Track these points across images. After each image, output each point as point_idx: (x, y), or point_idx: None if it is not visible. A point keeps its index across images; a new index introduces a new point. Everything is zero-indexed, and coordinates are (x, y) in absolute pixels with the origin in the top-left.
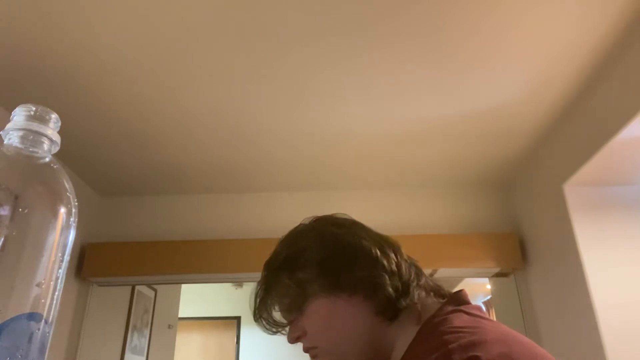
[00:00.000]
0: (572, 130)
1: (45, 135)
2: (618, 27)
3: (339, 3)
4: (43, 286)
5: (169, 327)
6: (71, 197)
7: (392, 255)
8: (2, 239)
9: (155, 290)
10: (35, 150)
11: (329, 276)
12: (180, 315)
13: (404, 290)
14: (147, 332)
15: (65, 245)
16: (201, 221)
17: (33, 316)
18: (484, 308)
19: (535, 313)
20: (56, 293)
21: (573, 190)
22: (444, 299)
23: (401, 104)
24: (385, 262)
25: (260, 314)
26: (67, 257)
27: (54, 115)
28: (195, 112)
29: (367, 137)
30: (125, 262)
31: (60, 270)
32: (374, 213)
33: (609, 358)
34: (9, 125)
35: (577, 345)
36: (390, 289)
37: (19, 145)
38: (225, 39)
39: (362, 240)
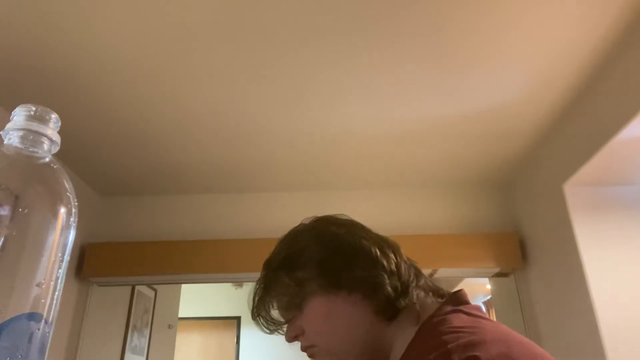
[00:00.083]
0: (572, 130)
1: (45, 135)
2: (618, 27)
3: (339, 3)
4: (43, 286)
5: (169, 327)
6: (71, 197)
7: (392, 255)
8: (2, 239)
9: (155, 290)
10: (35, 150)
11: (328, 275)
12: (180, 315)
13: (403, 290)
14: (147, 332)
15: (65, 245)
16: (201, 221)
17: (33, 316)
18: (483, 308)
19: (535, 313)
20: (56, 293)
21: (573, 190)
22: (443, 299)
23: (401, 104)
24: (384, 262)
25: (259, 312)
26: (67, 257)
27: (54, 115)
28: (195, 112)
29: (367, 137)
30: (125, 262)
31: (60, 270)
32: (374, 213)
33: (609, 358)
34: (9, 125)
35: (577, 345)
36: (389, 289)
37: (19, 145)
38: (225, 39)
39: (362, 240)
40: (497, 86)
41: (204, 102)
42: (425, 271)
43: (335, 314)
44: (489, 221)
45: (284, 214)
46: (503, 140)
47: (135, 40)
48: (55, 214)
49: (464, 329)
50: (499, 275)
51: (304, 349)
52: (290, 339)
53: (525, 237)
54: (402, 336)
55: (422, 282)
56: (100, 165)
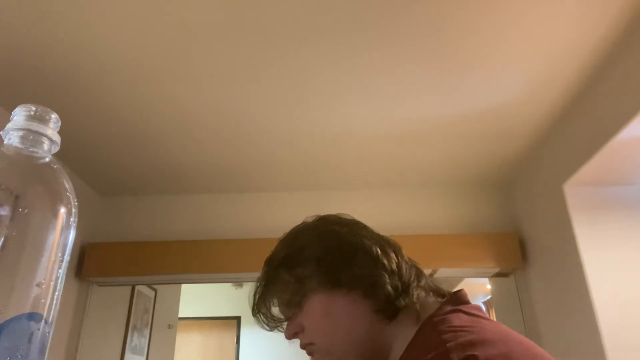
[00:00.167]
0: (572, 130)
1: (45, 135)
2: (618, 27)
3: (339, 3)
4: (43, 286)
5: (169, 327)
6: (71, 197)
7: (393, 255)
8: (2, 239)
9: (155, 290)
10: (35, 150)
11: (328, 273)
12: (180, 315)
13: (404, 289)
14: (147, 332)
15: (65, 245)
16: (201, 221)
17: (33, 316)
18: (483, 308)
19: (535, 313)
20: (56, 293)
21: (573, 190)
22: (444, 299)
23: (401, 104)
24: (385, 261)
25: (259, 309)
26: (67, 257)
27: (54, 115)
28: (195, 112)
29: (367, 137)
30: (125, 262)
31: (60, 270)
32: (374, 213)
33: (609, 358)
34: (9, 125)
35: (577, 345)
36: (389, 288)
37: (19, 145)
38: (225, 39)
39: (364, 239)
40: (497, 86)
41: (204, 102)
42: (425, 271)
43: (335, 311)
44: (489, 221)
45: (284, 214)
46: (503, 140)
47: (135, 40)
48: (55, 214)
49: (463, 329)
50: (499, 275)
51: (303, 346)
52: (289, 336)
53: (525, 237)
54: (402, 335)
55: (423, 282)
56: (100, 165)
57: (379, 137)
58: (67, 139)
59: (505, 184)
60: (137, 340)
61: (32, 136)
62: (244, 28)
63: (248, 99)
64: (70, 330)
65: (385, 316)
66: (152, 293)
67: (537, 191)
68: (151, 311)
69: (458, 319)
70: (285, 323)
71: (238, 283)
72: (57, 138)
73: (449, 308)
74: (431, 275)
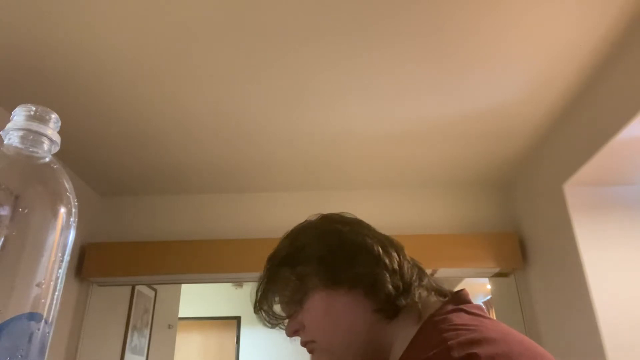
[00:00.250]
0: (572, 130)
1: (45, 135)
2: (618, 27)
3: (339, 3)
4: (43, 286)
5: (169, 327)
6: (71, 197)
7: (395, 254)
8: (2, 239)
9: (155, 290)
10: (35, 150)
11: (329, 271)
12: (180, 315)
13: (405, 289)
14: (147, 332)
15: (65, 245)
16: (201, 221)
17: (33, 316)
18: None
19: (535, 313)
20: (56, 293)
21: (573, 190)
22: (445, 298)
23: (401, 104)
24: (387, 261)
25: (261, 306)
26: (67, 257)
27: (54, 115)
28: (195, 112)
29: (367, 137)
30: (125, 262)
31: (60, 270)
32: (374, 213)
33: (609, 358)
34: (9, 125)
35: (577, 345)
36: (390, 287)
37: (19, 145)
38: (225, 39)
39: (365, 237)
40: (497, 86)
41: (204, 102)
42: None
43: (335, 310)
44: (489, 221)
45: (284, 214)
46: (503, 140)
47: (135, 40)
48: (55, 214)
49: (464, 327)
50: (499, 275)
51: (303, 343)
52: (290, 333)
53: (525, 237)
54: (402, 334)
55: (425, 281)
56: (100, 165)
57: (379, 137)
58: (67, 139)
59: (505, 184)
60: (137, 340)
61: (32, 136)
62: (244, 28)
63: (248, 99)
64: (70, 330)
65: (386, 315)
66: (152, 293)
67: (537, 191)
68: (151, 311)
69: (459, 318)
70: (287, 321)
71: (238, 283)
72: (57, 138)
73: (450, 307)
74: (431, 275)
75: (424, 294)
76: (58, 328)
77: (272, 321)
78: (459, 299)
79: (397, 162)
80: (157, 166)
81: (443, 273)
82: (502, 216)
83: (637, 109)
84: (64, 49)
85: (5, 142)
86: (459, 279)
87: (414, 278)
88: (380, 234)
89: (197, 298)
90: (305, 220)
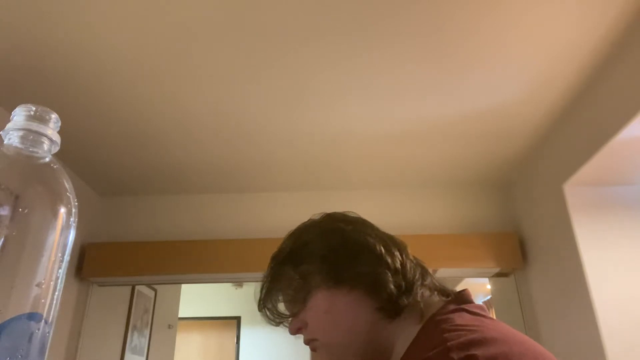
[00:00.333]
0: (572, 130)
1: (45, 135)
2: (618, 27)
3: (339, 3)
4: (43, 286)
5: (169, 327)
6: (71, 197)
7: (397, 253)
8: (2, 239)
9: (155, 290)
10: (35, 150)
11: (331, 270)
12: (180, 315)
13: (407, 288)
14: (147, 332)
15: (65, 245)
16: (201, 221)
17: (33, 316)
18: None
19: (535, 313)
20: (56, 293)
21: (573, 190)
22: (448, 298)
23: (401, 104)
24: (389, 260)
25: (265, 305)
26: (67, 257)
27: (54, 115)
28: (195, 112)
29: (367, 137)
30: (125, 262)
31: (60, 270)
32: (374, 213)
33: (609, 358)
34: (9, 125)
35: (577, 345)
36: (392, 286)
37: (19, 145)
38: (225, 39)
39: (368, 237)
40: (497, 86)
41: (204, 102)
42: None
43: (337, 308)
44: (489, 221)
45: (284, 214)
46: (503, 140)
47: (135, 40)
48: (55, 214)
49: (465, 328)
50: (499, 275)
51: (306, 342)
52: (293, 331)
53: (525, 237)
54: (404, 334)
55: (428, 281)
56: (100, 165)
57: (379, 137)
58: (67, 139)
59: (505, 184)
60: (137, 340)
61: (32, 136)
62: (244, 28)
63: (248, 99)
64: (70, 330)
65: (387, 314)
66: (152, 293)
67: (537, 191)
68: (151, 311)
69: (461, 318)
70: (290, 319)
71: (238, 283)
72: (57, 138)
73: (452, 307)
74: None
75: (427, 293)
76: (58, 328)
77: (275, 319)
78: (462, 299)
79: (397, 162)
80: (157, 166)
81: (443, 273)
82: (502, 216)
83: (637, 109)
84: (64, 49)
85: (5, 142)
86: (459, 279)
87: (416, 277)
88: (384, 233)
89: (197, 298)
90: (309, 219)
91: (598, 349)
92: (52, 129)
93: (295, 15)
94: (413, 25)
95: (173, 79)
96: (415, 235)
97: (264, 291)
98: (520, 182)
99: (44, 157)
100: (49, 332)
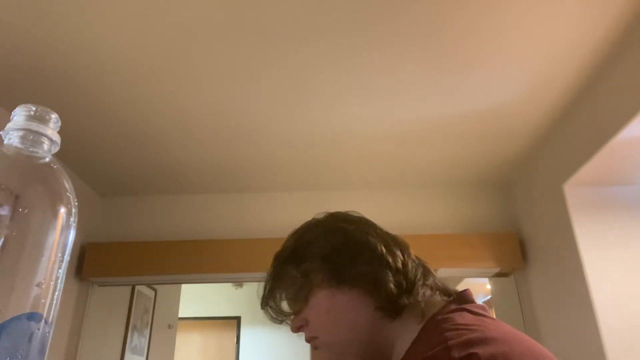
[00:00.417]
0: (572, 130)
1: (45, 135)
2: (618, 27)
3: (339, 3)
4: (43, 286)
5: (169, 327)
6: (71, 197)
7: (399, 253)
8: (2, 239)
9: (155, 290)
10: (35, 150)
11: (332, 268)
12: (180, 315)
13: (408, 288)
14: (147, 332)
15: (65, 245)
16: (201, 221)
17: (33, 316)
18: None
19: (535, 313)
20: (56, 293)
21: (573, 190)
22: (450, 298)
23: (401, 104)
24: (390, 259)
25: (267, 302)
26: (67, 257)
27: (54, 115)
28: (195, 112)
29: (367, 137)
30: (125, 262)
31: (60, 270)
32: (374, 213)
33: (609, 358)
34: (9, 125)
35: (577, 345)
36: (392, 286)
37: (19, 145)
38: (225, 39)
39: (369, 236)
40: (497, 86)
41: (204, 102)
42: None
43: (337, 307)
44: (489, 221)
45: (284, 214)
46: (503, 140)
47: (135, 40)
48: (55, 214)
49: (466, 327)
50: (499, 275)
51: (308, 339)
52: (295, 329)
53: (525, 237)
54: (405, 333)
55: (429, 280)
56: (100, 165)
57: (379, 137)
58: (67, 139)
59: (505, 184)
60: (137, 340)
61: (32, 136)
62: (244, 28)
63: (248, 99)
64: (70, 330)
65: (388, 314)
66: (152, 293)
67: (537, 191)
68: (151, 311)
69: (462, 318)
70: (292, 317)
71: (238, 283)
72: (57, 138)
73: (453, 307)
74: None
75: (428, 293)
76: (58, 328)
77: (278, 317)
78: (463, 299)
79: (397, 162)
80: (157, 166)
81: (443, 273)
82: (502, 216)
83: (637, 109)
84: (64, 49)
85: (5, 142)
86: (459, 279)
87: (418, 277)
88: (386, 233)
89: (197, 298)
90: (313, 219)
91: (598, 348)
92: (52, 129)
93: (295, 15)
94: (413, 25)
95: (173, 79)
96: (415, 235)
97: (266, 289)
98: (520, 182)
99: (44, 157)
100: (49, 332)
